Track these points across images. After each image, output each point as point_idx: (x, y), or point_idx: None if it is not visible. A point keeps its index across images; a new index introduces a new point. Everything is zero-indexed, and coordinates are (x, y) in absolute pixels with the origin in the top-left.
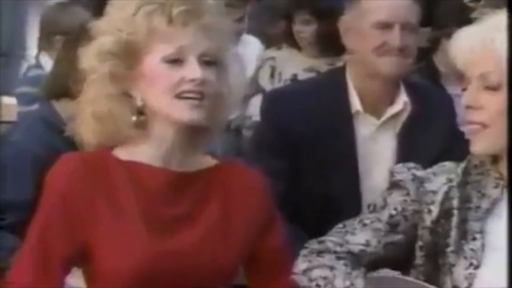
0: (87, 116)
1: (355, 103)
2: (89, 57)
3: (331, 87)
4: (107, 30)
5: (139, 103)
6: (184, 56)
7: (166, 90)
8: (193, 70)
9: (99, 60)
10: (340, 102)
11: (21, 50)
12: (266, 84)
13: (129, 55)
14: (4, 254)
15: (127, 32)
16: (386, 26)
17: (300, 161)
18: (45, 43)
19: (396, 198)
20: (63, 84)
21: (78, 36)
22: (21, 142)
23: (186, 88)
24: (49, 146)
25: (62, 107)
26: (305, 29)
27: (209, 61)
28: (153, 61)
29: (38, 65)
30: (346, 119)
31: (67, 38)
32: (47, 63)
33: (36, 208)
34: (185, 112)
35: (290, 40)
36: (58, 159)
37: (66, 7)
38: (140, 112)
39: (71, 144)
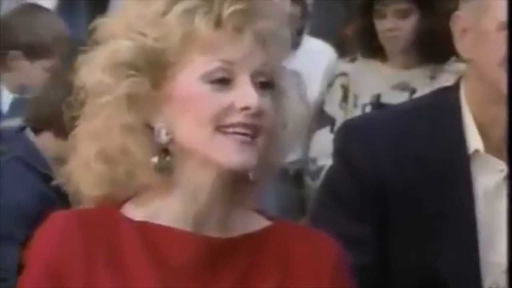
0: (87, 158)
1: (474, 140)
2: (96, 70)
3: (438, 116)
4: (123, 34)
5: (163, 138)
6: (234, 74)
7: (205, 121)
8: (247, 94)
9: (113, 75)
10: (452, 138)
11: None
12: (336, 111)
13: (154, 70)
14: None
15: (153, 38)
16: None
17: (393, 225)
18: None
19: None
20: (50, 115)
21: (74, 52)
22: (5, 190)
23: (235, 120)
24: (35, 194)
25: (44, 144)
26: (400, 24)
27: (266, 83)
28: (189, 78)
29: None
30: (460, 163)
31: (62, 56)
32: None
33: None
34: (232, 153)
35: (370, 46)
36: (45, 219)
37: (30, 12)
38: (165, 151)
39: (64, 195)
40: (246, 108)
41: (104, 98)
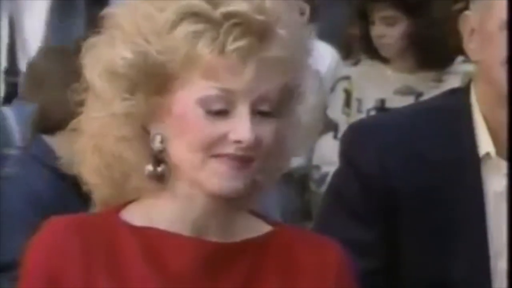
0: (85, 149)
1: (485, 142)
2: (97, 72)
3: (448, 118)
4: (129, 32)
5: (157, 145)
6: (233, 102)
7: (196, 148)
8: (241, 127)
9: (110, 81)
10: (463, 140)
11: None
12: (339, 116)
13: (153, 81)
14: None
15: (156, 49)
16: None
17: (401, 229)
18: None
19: None
20: (62, 116)
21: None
22: (21, 179)
23: (226, 151)
24: (51, 187)
25: (58, 143)
26: (387, 31)
27: (267, 112)
28: (187, 100)
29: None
30: (471, 166)
31: (60, 50)
32: None
33: None
34: (221, 180)
35: (370, 49)
36: (43, 225)
37: None
38: (158, 158)
39: (80, 194)
40: (238, 142)
41: (102, 112)
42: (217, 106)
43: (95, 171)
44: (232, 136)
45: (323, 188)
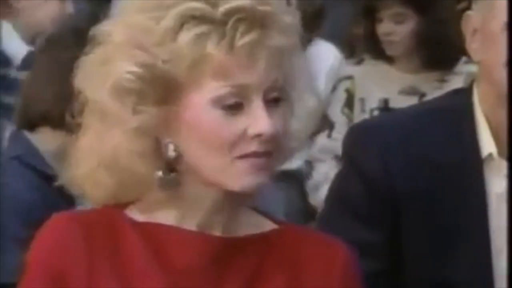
0: (91, 165)
1: (488, 143)
2: (100, 90)
3: (451, 119)
4: (127, 46)
5: (171, 154)
6: (247, 96)
7: (219, 149)
8: (260, 120)
9: (120, 101)
10: (466, 141)
11: None
12: (337, 116)
13: (163, 91)
14: None
15: (162, 60)
16: None
17: (404, 232)
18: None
19: None
20: (43, 111)
21: (67, 40)
22: (6, 187)
23: (249, 149)
24: (34, 190)
25: (42, 140)
26: (395, 29)
27: (278, 98)
28: (199, 102)
29: None
30: (473, 167)
31: (48, 41)
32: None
33: None
34: (245, 178)
35: (374, 48)
36: (46, 220)
37: None
38: (170, 166)
39: (67, 194)
40: (259, 135)
41: (112, 129)
42: (232, 100)
43: (99, 182)
44: (252, 131)
45: (310, 184)
